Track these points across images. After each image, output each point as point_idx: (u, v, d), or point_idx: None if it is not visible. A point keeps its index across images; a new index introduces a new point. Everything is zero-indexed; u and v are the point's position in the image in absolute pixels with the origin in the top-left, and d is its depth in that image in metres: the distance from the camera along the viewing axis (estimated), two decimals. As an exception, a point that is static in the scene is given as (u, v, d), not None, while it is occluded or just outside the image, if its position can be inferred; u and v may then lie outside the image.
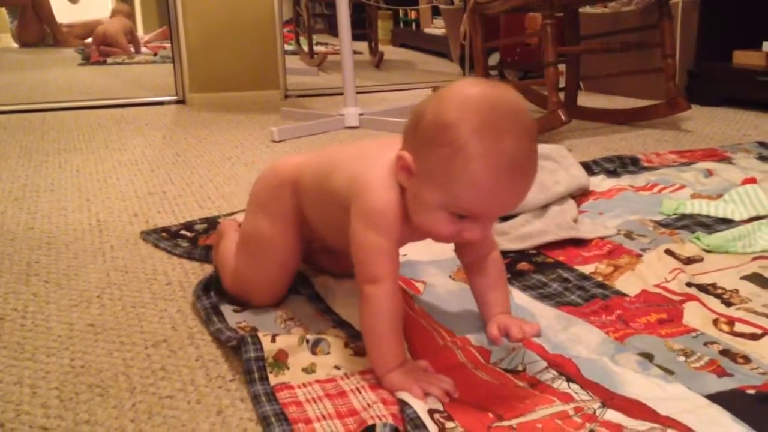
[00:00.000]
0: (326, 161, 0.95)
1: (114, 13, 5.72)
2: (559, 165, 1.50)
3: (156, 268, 1.18)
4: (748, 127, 2.22)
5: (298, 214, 0.97)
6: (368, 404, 0.75)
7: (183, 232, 1.35)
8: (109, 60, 5.15)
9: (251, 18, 3.13)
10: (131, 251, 1.27)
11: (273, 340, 0.87)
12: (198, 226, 1.38)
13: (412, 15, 5.59)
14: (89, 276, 1.15)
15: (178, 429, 0.73)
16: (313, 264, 1.12)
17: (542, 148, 1.62)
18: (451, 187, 0.74)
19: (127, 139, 2.33)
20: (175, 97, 3.12)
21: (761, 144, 1.88)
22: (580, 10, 2.53)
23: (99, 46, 5.30)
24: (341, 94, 2.47)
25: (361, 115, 2.42)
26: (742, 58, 2.50)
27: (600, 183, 1.55)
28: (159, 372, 0.85)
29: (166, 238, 1.32)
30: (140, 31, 6.33)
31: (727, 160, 1.72)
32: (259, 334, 0.88)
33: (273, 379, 0.81)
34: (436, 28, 5.06)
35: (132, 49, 5.47)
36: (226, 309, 1.00)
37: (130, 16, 5.98)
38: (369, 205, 0.81)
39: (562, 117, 1.94)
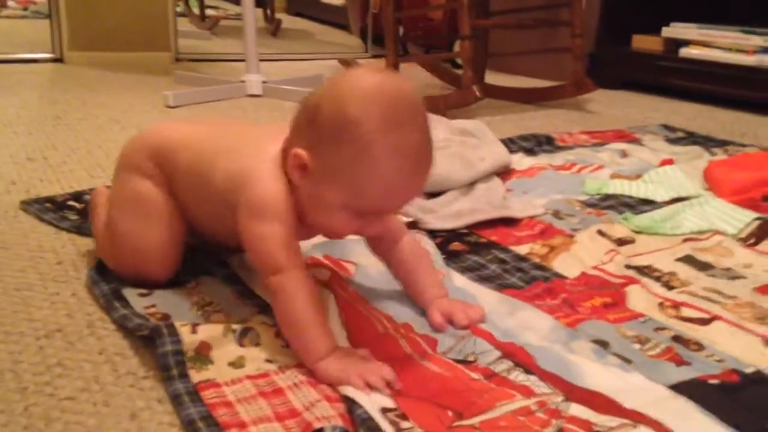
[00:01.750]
0: (205, 148, 0.84)
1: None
2: (481, 141, 1.46)
3: (42, 244, 1.03)
4: (649, 110, 2.27)
5: (170, 186, 0.86)
6: (310, 403, 0.66)
7: (71, 202, 1.19)
8: (-29, 12, 4.66)
9: (139, -28, 2.89)
10: (10, 224, 1.10)
11: (193, 330, 0.76)
12: (87, 197, 1.22)
13: (308, -17, 5.41)
14: (-40, 253, 0.98)
15: (84, 438, 0.62)
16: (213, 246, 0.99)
17: (462, 123, 1.58)
18: (357, 187, 0.70)
19: (-2, 99, 2.07)
20: (52, 55, 2.84)
21: (666, 127, 1.92)
22: (488, -15, 2.50)
23: (-41, -4, 4.79)
24: (237, 60, 2.32)
25: (264, 83, 2.28)
26: (641, 42, 2.56)
27: (520, 161, 1.51)
28: (55, 368, 0.72)
29: (51, 209, 1.16)
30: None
31: (636, 141, 1.74)
32: (176, 324, 0.76)
33: (195, 376, 0.70)
34: (334, -2, 4.93)
35: (-1, 2, 4.97)
36: (130, 293, 0.87)
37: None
38: (256, 197, 0.74)
39: (477, 93, 1.90)
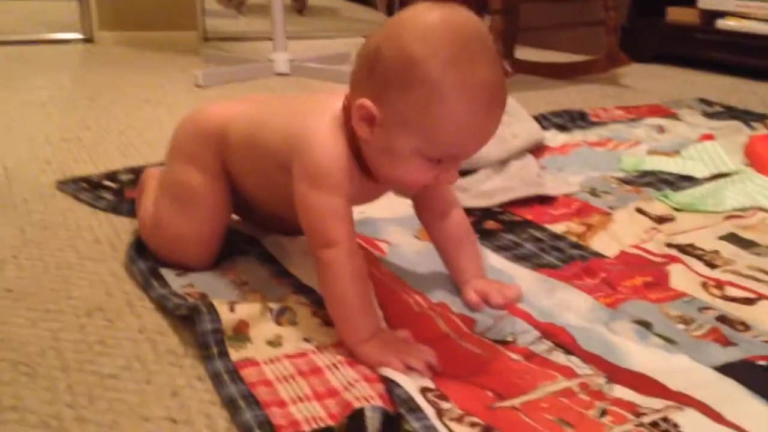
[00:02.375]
0: (257, 115, 0.83)
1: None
2: (513, 118, 1.43)
3: (79, 223, 1.03)
4: (684, 83, 2.22)
5: (225, 169, 0.85)
6: (349, 383, 0.65)
7: (106, 182, 1.20)
8: (0, -7, 4.69)
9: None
10: (48, 204, 1.11)
11: (231, 309, 0.76)
12: (123, 177, 1.22)
13: (334, -41, 5.36)
14: (1, 232, 0.99)
15: (127, 414, 0.62)
16: (256, 223, 0.99)
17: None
18: (431, 128, 0.66)
19: (31, 80, 2.09)
20: (81, 35, 2.85)
21: (703, 101, 1.87)
22: (519, -42, 2.45)
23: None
24: (264, 39, 2.31)
25: (291, 61, 2.27)
26: (676, 14, 2.50)
27: (553, 138, 1.49)
28: (96, 346, 0.72)
29: (86, 189, 1.16)
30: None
31: (673, 116, 1.70)
32: (215, 302, 0.76)
33: (234, 355, 0.70)
34: (360, -26, 4.88)
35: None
36: (167, 272, 0.87)
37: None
38: (314, 162, 0.71)
39: (508, 68, 1.87)
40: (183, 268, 0.87)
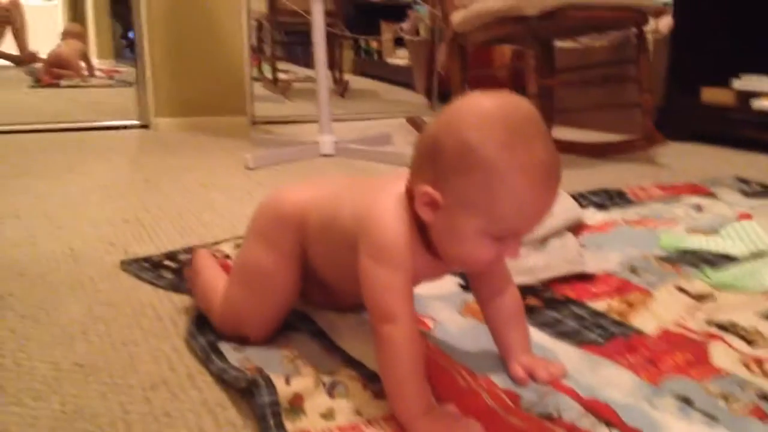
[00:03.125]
0: (332, 199, 0.88)
1: (66, 35, 5.53)
2: (552, 198, 1.48)
3: (143, 301, 1.10)
4: (720, 162, 2.25)
5: (301, 252, 0.91)
6: (401, 454, 0.69)
7: (166, 262, 1.27)
8: (63, 83, 4.99)
9: (218, 43, 3.07)
10: (113, 283, 1.18)
11: (287, 382, 0.80)
12: (182, 256, 1.30)
13: (374, 45, 5.60)
14: (70, 310, 1.06)
15: (193, 484, 0.66)
16: (306, 299, 1.04)
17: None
18: (492, 209, 0.70)
19: (92, 164, 2.22)
20: (138, 122, 3.02)
21: (740, 180, 1.90)
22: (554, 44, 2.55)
23: (51, 68, 5.13)
24: (309, 121, 2.43)
25: (336, 142, 2.37)
26: (711, 94, 2.55)
27: (592, 216, 1.53)
28: (162, 418, 0.77)
29: (148, 268, 1.24)
30: (93, 57, 6.14)
31: (711, 195, 1.73)
32: (272, 376, 0.81)
33: (290, 426, 0.74)
34: (399, 58, 5.08)
35: (86, 72, 5.31)
36: (225, 347, 0.92)
37: (84, 38, 5.79)
38: (379, 239, 0.76)
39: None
40: (241, 341, 0.92)
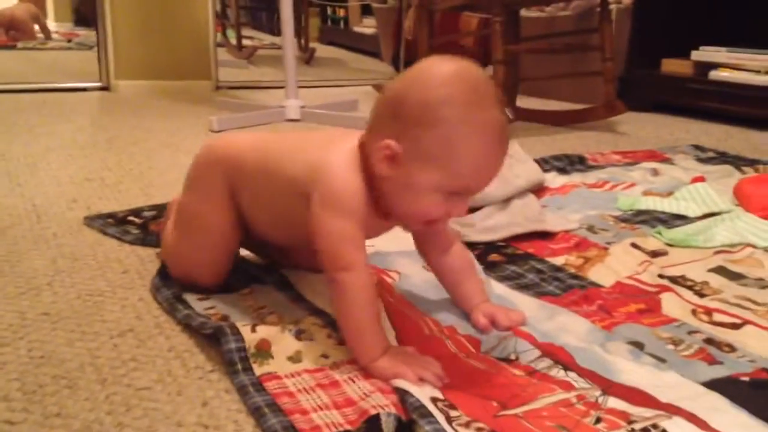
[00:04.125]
0: (275, 146, 0.90)
1: (17, -4, 5.35)
2: (515, 160, 1.51)
3: (108, 255, 1.10)
4: (679, 131, 2.31)
5: (233, 197, 0.92)
6: (365, 393, 0.71)
7: (131, 218, 1.27)
8: (19, 45, 4.85)
9: (182, 6, 3.02)
10: (77, 238, 1.18)
11: (253, 329, 0.82)
12: (146, 213, 1.30)
13: (341, 13, 5.55)
14: (34, 263, 1.06)
15: (162, 421, 0.68)
16: (269, 258, 1.06)
17: (497, 143, 1.63)
18: (451, 163, 0.73)
19: (53, 125, 2.19)
20: (99, 83, 2.97)
21: (696, 147, 1.96)
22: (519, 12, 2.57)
23: (8, 31, 4.98)
24: (274, 87, 2.42)
25: (302, 107, 2.37)
26: (671, 65, 2.60)
27: (553, 179, 1.56)
28: (130, 363, 0.78)
29: (113, 224, 1.24)
30: (51, 20, 5.96)
31: (667, 161, 1.78)
32: (238, 324, 0.82)
33: (258, 369, 0.76)
34: (366, 27, 5.05)
35: (40, 34, 5.17)
36: (190, 297, 0.94)
37: (38, 1, 5.62)
38: (332, 189, 0.78)
39: (510, 115, 1.95)
40: (195, 286, 0.94)
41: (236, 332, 0.81)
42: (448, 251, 0.90)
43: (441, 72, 0.74)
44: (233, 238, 0.95)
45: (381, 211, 0.80)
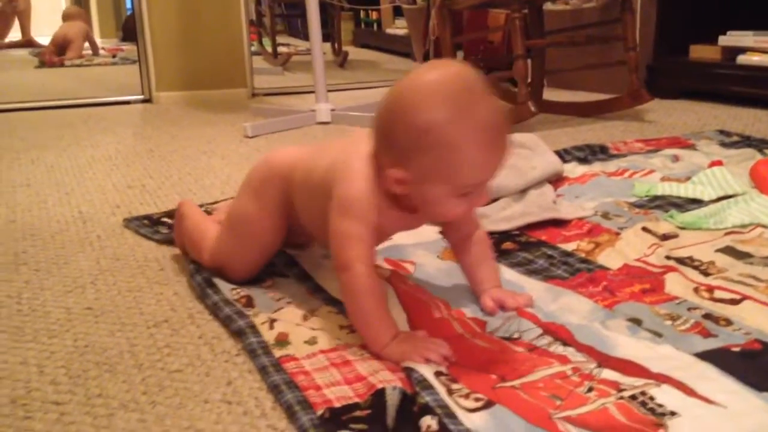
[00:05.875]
0: (313, 155, 0.97)
1: (67, 17, 5.57)
2: (533, 152, 1.55)
3: (147, 255, 1.19)
4: (707, 117, 2.31)
5: (287, 204, 1.00)
6: (375, 371, 0.77)
7: (164, 219, 1.36)
8: (67, 63, 5.06)
9: (217, 18, 3.13)
10: (119, 240, 1.27)
11: (271, 326, 0.89)
12: (180, 215, 1.38)
13: (374, 15, 5.63)
14: (80, 264, 1.15)
15: (191, 399, 0.75)
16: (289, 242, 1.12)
17: (516, 137, 1.67)
18: (455, 176, 0.79)
19: (98, 137, 2.31)
20: (142, 96, 3.10)
21: (721, 132, 1.96)
22: (543, 6, 2.60)
23: (60, 49, 5.18)
24: (308, 92, 2.49)
25: (332, 110, 2.44)
26: (699, 52, 2.60)
27: (573, 169, 1.60)
28: (164, 349, 0.86)
29: (147, 225, 1.33)
30: (96, 36, 6.19)
31: (691, 147, 1.79)
32: (256, 321, 0.89)
33: (278, 353, 0.83)
34: (398, 28, 5.11)
35: (90, 51, 5.37)
36: (219, 281, 1.02)
37: (85, 18, 5.84)
38: (344, 194, 0.84)
39: (532, 108, 1.99)
40: (225, 278, 1.02)
41: (256, 333, 0.87)
42: (470, 237, 0.96)
43: (420, 90, 0.77)
44: (277, 243, 1.04)
45: (406, 207, 0.86)
